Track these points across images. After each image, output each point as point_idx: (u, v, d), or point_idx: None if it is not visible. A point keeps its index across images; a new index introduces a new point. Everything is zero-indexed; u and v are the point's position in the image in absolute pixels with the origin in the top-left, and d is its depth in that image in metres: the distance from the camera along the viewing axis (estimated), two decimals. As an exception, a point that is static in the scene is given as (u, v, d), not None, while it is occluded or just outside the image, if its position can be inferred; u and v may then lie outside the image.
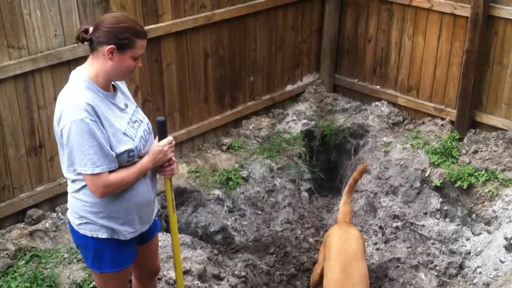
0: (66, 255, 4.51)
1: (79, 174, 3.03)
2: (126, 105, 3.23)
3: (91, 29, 3.03)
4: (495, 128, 6.00)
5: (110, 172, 3.00)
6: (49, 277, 4.24)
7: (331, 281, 4.27)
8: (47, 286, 4.16)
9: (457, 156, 5.87)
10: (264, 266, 5.25)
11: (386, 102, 6.89)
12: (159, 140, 3.29)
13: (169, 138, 3.33)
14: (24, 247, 4.54)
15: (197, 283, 4.57)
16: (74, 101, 2.94)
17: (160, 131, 3.31)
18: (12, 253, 4.46)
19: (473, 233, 5.26)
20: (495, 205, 5.21)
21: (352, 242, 4.54)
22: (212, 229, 5.46)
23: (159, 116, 5.60)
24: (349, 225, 4.73)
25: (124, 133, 3.08)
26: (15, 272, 4.29)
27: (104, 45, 2.98)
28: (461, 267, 5.03)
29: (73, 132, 2.90)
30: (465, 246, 5.14)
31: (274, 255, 5.44)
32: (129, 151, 3.07)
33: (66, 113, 2.93)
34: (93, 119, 2.93)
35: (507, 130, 5.87)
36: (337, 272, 4.27)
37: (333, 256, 4.41)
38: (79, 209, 3.17)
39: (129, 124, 3.16)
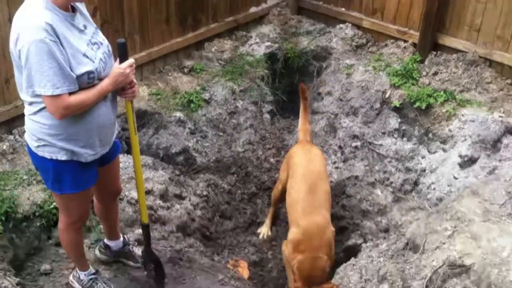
0: (25, 177, 4.47)
1: (37, 96, 2.98)
2: (85, 27, 3.15)
3: None
4: (456, 51, 6.04)
5: (70, 94, 2.96)
6: (8, 198, 4.21)
7: (297, 200, 4.38)
8: (7, 207, 4.14)
9: (417, 78, 5.92)
10: (225, 186, 5.34)
11: (350, 25, 6.84)
12: (120, 62, 3.23)
13: (130, 60, 3.28)
14: (-18, 169, 4.49)
15: (159, 203, 4.64)
16: (33, 21, 2.85)
17: (121, 54, 3.24)
18: (-31, 175, 4.41)
19: (429, 152, 5.40)
20: (452, 124, 5.32)
21: (316, 161, 4.65)
22: (173, 151, 5.47)
23: (119, 38, 5.49)
24: (311, 144, 4.82)
25: (84, 55, 3.02)
26: (-27, 193, 4.24)
27: None
28: (416, 183, 5.20)
29: (32, 53, 2.83)
30: (421, 164, 5.28)
31: (236, 175, 5.52)
32: (89, 72, 3.02)
33: (25, 33, 2.85)
34: (53, 39, 2.85)
35: (467, 52, 5.92)
36: (303, 192, 4.40)
37: (299, 175, 4.52)
38: (37, 132, 3.14)
39: (89, 46, 3.09)
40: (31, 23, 2.85)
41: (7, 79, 4.82)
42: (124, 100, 3.41)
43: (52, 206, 4.24)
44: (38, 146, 3.17)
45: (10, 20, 4.49)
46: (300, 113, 5.07)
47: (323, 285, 3.96)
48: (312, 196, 4.38)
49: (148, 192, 4.63)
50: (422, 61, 6.17)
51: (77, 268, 3.85)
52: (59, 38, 2.90)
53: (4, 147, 4.76)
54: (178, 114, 5.61)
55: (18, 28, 2.90)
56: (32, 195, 4.32)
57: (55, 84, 2.89)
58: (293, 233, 4.29)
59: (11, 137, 4.92)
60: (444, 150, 5.25)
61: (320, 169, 4.59)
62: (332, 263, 4.23)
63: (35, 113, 3.09)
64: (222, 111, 5.86)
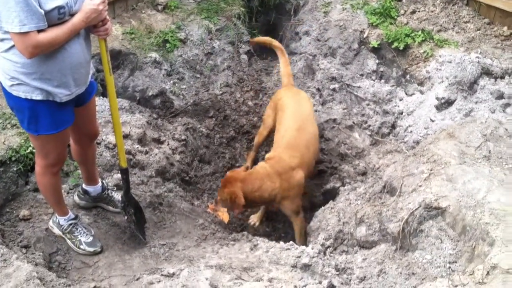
0: (-1, 121, 4.36)
1: (7, 32, 2.87)
2: None
3: None
4: (435, -12, 5.96)
5: (39, 31, 2.85)
6: (-18, 143, 4.12)
7: (286, 139, 4.42)
8: (-19, 152, 4.06)
9: (395, 17, 5.86)
10: (204, 130, 5.30)
11: (327, -39, 6.65)
12: None
13: None
14: (-47, 114, 4.35)
15: (137, 147, 4.59)
16: None
17: None
18: None
19: (406, 94, 5.42)
20: (429, 66, 5.33)
21: (304, 104, 4.65)
22: (150, 93, 5.38)
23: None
24: (297, 88, 4.81)
25: None
26: None
27: None
28: (393, 126, 5.24)
29: None
30: (398, 106, 5.31)
31: (214, 119, 5.48)
32: (59, 7, 2.90)
33: None
34: None
35: (446, -10, 5.86)
36: (292, 131, 4.43)
37: (288, 116, 4.54)
38: (10, 70, 3.04)
39: None
40: None
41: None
42: (97, 39, 3.30)
43: (28, 150, 4.17)
44: (12, 85, 3.09)
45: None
46: (280, 59, 5.04)
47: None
48: (301, 136, 4.41)
49: (126, 137, 4.57)
50: (400, -1, 6.09)
51: (56, 214, 3.84)
52: None
53: (-25, 90, 4.61)
54: (154, 54, 5.48)
55: None
56: (8, 139, 4.23)
57: (22, 21, 2.78)
58: (270, 154, 4.41)
59: (-18, 79, 4.75)
60: (421, 92, 5.28)
61: (309, 112, 4.61)
62: (296, 206, 4.32)
63: (7, 50, 2.98)
64: (199, 51, 5.74)
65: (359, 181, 4.46)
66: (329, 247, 3.83)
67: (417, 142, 4.77)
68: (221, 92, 5.69)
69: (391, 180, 3.97)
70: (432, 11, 5.80)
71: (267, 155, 4.43)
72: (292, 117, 4.53)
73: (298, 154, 4.30)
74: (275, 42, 5.08)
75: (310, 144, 4.42)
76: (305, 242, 4.33)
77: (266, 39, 5.19)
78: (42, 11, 2.83)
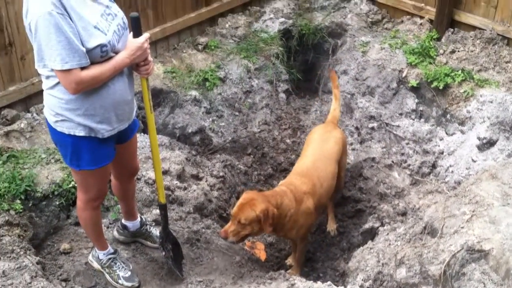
0: (43, 156, 4.48)
1: (52, 70, 2.95)
2: None
3: None
4: (474, 28, 5.95)
5: (82, 68, 2.92)
6: (27, 177, 4.23)
7: (301, 168, 4.45)
8: (26, 186, 4.16)
9: (434, 56, 5.85)
10: (242, 167, 5.33)
11: (365, 0, 6.73)
12: (134, 37, 3.18)
13: (146, 34, 3.23)
14: (0, 147, 4.49)
15: (176, 183, 4.64)
16: None
17: (134, 28, 3.19)
18: (-13, 154, 4.42)
19: (447, 133, 5.36)
20: (470, 105, 5.27)
21: (330, 142, 4.64)
22: (189, 130, 5.46)
23: (132, 12, 5.43)
24: (335, 127, 4.80)
25: (95, 27, 2.96)
26: (-8, 172, 4.26)
27: None
28: (434, 166, 5.17)
29: (40, 26, 2.80)
30: (439, 146, 5.25)
31: (252, 156, 5.51)
32: (101, 45, 2.97)
33: (32, 6, 2.82)
34: (60, 12, 2.81)
35: (485, 30, 5.83)
36: (308, 163, 4.46)
37: (309, 150, 4.58)
38: (55, 106, 3.12)
39: (103, 16, 3.03)
40: None
41: (22, 56, 4.80)
42: (140, 78, 3.37)
43: (71, 185, 4.26)
44: (57, 121, 3.17)
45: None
46: (333, 99, 5.07)
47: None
48: (315, 169, 4.40)
49: (165, 173, 4.63)
50: (439, 39, 6.09)
51: (96, 248, 3.88)
52: (66, 11, 2.85)
53: (22, 125, 4.76)
54: (194, 92, 5.59)
55: (27, 1, 2.87)
56: (51, 173, 4.34)
57: (64, 59, 2.85)
58: (283, 180, 4.39)
59: (29, 115, 4.92)
60: (462, 132, 5.22)
61: (332, 150, 4.59)
62: (302, 233, 4.27)
63: (52, 87, 3.07)
64: (238, 90, 5.82)
65: (398, 222, 4.39)
66: (368, 288, 3.76)
67: (459, 183, 4.69)
68: (259, 130, 5.73)
69: (432, 221, 3.89)
70: (472, 51, 5.78)
71: (280, 182, 4.44)
72: (312, 151, 4.56)
73: (310, 182, 4.30)
74: (337, 82, 5.09)
75: (324, 180, 4.39)
76: (302, 265, 4.40)
77: (335, 79, 5.17)
78: (84, 49, 2.91)
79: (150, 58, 3.29)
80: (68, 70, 2.88)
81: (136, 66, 3.26)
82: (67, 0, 2.85)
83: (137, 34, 3.20)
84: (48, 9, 2.78)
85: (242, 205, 3.96)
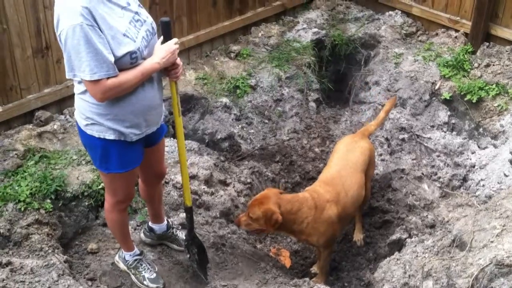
0: (74, 157, 4.57)
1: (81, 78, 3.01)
2: (128, 3, 3.12)
3: None
4: (510, 42, 5.85)
5: (109, 78, 2.96)
6: (58, 177, 4.32)
7: (326, 176, 4.44)
8: (56, 186, 4.25)
9: (468, 70, 5.77)
10: (269, 174, 5.33)
11: (400, 12, 6.70)
12: (164, 42, 3.22)
13: (175, 39, 3.27)
14: (33, 148, 4.60)
15: (203, 188, 4.67)
16: (70, 5, 2.86)
17: (165, 32, 3.23)
18: (21, 153, 4.53)
19: (479, 147, 5.27)
20: (503, 119, 5.18)
21: (356, 152, 4.61)
22: (219, 136, 5.49)
23: (163, 17, 5.51)
24: (363, 137, 4.77)
25: (124, 35, 3.01)
26: (24, 172, 4.36)
27: None
28: (464, 179, 5.08)
29: (70, 38, 2.85)
30: (470, 159, 5.16)
31: (280, 163, 5.51)
32: (131, 53, 3.02)
33: (63, 17, 2.87)
34: (90, 23, 2.86)
35: (521, 44, 5.74)
36: (333, 172, 4.45)
37: (334, 159, 4.57)
38: (86, 110, 3.18)
39: (131, 23, 3.08)
40: (68, 7, 2.86)
41: (58, 59, 4.92)
42: (169, 82, 3.40)
43: (100, 186, 4.33)
44: (87, 125, 3.22)
45: None
46: (376, 118, 5.05)
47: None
48: (339, 178, 4.38)
49: (193, 177, 4.66)
50: (473, 52, 6.01)
51: (122, 249, 3.93)
52: (96, 22, 2.89)
53: (55, 126, 4.87)
54: (224, 99, 5.62)
55: (57, 11, 2.92)
56: (81, 175, 4.42)
57: (92, 69, 2.89)
58: (308, 188, 4.39)
59: (62, 117, 5.03)
60: (495, 146, 5.12)
61: (358, 160, 4.55)
62: (324, 241, 4.23)
63: (84, 92, 3.13)
64: (268, 98, 5.84)
65: (427, 234, 4.31)
66: (393, 300, 3.70)
67: (490, 197, 4.59)
68: (288, 138, 5.73)
69: (461, 234, 3.82)
70: (507, 65, 5.69)
71: (305, 189, 4.43)
72: (338, 160, 4.55)
73: (334, 191, 4.28)
74: (385, 113, 5.08)
75: (349, 189, 4.36)
76: (326, 273, 4.38)
77: (391, 104, 5.18)
78: (112, 59, 2.94)
79: (179, 61, 3.32)
80: (96, 81, 2.93)
81: (165, 70, 3.29)
82: (96, 10, 2.90)
83: (167, 38, 3.24)
84: (78, 21, 2.83)
85: (256, 200, 4.06)
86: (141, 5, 3.27)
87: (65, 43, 2.88)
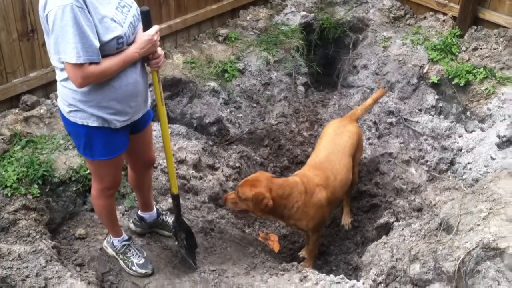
0: (61, 141, 4.53)
1: (63, 62, 2.96)
2: None
3: None
4: (497, 26, 5.85)
5: (91, 63, 2.93)
6: (45, 162, 4.29)
7: (314, 161, 4.43)
8: (43, 171, 4.22)
9: (456, 53, 5.78)
10: (258, 158, 5.33)
11: (388, -5, 6.68)
12: (144, 31, 3.19)
13: (156, 26, 3.23)
14: (20, 132, 4.55)
15: (192, 172, 4.66)
16: None
17: (145, 22, 3.20)
18: (7, 138, 4.48)
19: (466, 130, 5.29)
20: (491, 103, 5.20)
21: (344, 136, 4.61)
22: (207, 121, 5.47)
23: (154, 2, 5.45)
24: (351, 121, 4.77)
25: (112, 19, 2.98)
26: (11, 157, 4.32)
27: None
28: (452, 163, 5.11)
29: (58, 19, 2.81)
30: (457, 142, 5.18)
31: (268, 148, 5.51)
32: (118, 37, 2.99)
33: None
34: (79, 5, 2.82)
35: (508, 28, 5.74)
36: (322, 156, 4.45)
37: (322, 144, 4.57)
38: (68, 97, 3.15)
39: (118, 9, 3.05)
40: None
41: (44, 43, 4.82)
42: (150, 71, 3.38)
43: (87, 171, 4.31)
44: (70, 112, 3.19)
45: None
46: (364, 103, 5.10)
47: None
48: (328, 163, 4.38)
49: (182, 162, 4.65)
50: (461, 36, 6.01)
51: (110, 234, 3.92)
52: (85, 4, 2.86)
53: (42, 111, 4.82)
54: (212, 83, 5.59)
55: None
56: (69, 159, 4.39)
57: (78, 52, 2.86)
58: (297, 172, 4.40)
59: (48, 101, 4.98)
60: (482, 129, 5.15)
61: (346, 144, 4.56)
62: (313, 225, 4.23)
63: (66, 79, 3.09)
64: (256, 82, 5.82)
65: (414, 217, 4.34)
66: (380, 283, 3.73)
67: (476, 180, 4.63)
68: (276, 122, 5.72)
69: (448, 217, 3.86)
70: (494, 49, 5.69)
71: (295, 173, 4.44)
72: (326, 144, 4.56)
73: (323, 175, 4.29)
74: (373, 100, 5.15)
75: (338, 173, 4.37)
76: (314, 257, 4.39)
77: (381, 95, 5.28)
78: (98, 45, 2.91)
79: (160, 51, 3.29)
80: (79, 64, 2.89)
81: (146, 59, 3.26)
82: None
83: (147, 27, 3.21)
84: (68, 1, 2.79)
85: (247, 181, 4.06)
86: None
87: (53, 24, 2.84)
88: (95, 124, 3.19)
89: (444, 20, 6.23)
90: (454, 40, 5.89)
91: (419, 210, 4.50)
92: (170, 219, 4.18)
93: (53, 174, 4.26)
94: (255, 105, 5.76)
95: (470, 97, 5.42)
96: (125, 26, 3.04)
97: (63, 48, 2.87)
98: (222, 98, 5.60)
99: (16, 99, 4.86)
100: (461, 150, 5.11)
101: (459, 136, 5.23)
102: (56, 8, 2.81)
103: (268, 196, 3.94)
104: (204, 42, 6.04)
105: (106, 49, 2.97)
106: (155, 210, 4.13)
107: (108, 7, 3.00)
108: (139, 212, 4.13)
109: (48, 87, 5.02)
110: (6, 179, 4.10)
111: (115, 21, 2.99)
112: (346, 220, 4.93)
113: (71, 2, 2.79)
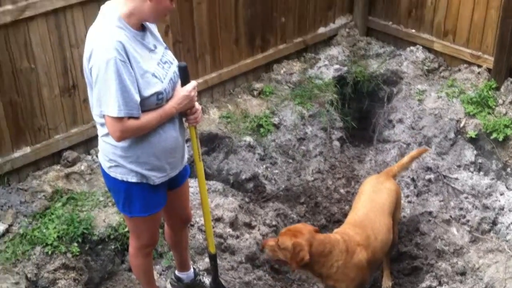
0: (101, 198, 4.59)
1: (103, 116, 3.02)
2: (155, 46, 3.18)
3: None
4: (534, 77, 5.81)
5: (130, 117, 2.98)
6: (85, 219, 4.34)
7: (354, 218, 4.35)
8: (83, 228, 4.26)
9: (493, 106, 5.72)
10: (294, 216, 5.29)
11: (421, 47, 6.68)
12: (182, 86, 3.24)
13: (194, 82, 3.28)
14: (61, 189, 4.63)
15: (228, 231, 4.64)
16: (105, 39, 2.91)
17: (182, 77, 3.25)
18: (49, 195, 4.56)
19: (507, 188, 5.18)
20: (532, 159, 5.12)
21: (383, 193, 4.55)
22: (243, 177, 5.47)
23: (190, 57, 5.57)
24: (388, 178, 4.72)
25: (153, 75, 3.05)
26: (52, 214, 4.39)
27: None
28: (494, 223, 4.98)
29: (102, 72, 2.88)
30: (499, 201, 5.07)
31: (305, 205, 5.47)
32: (158, 93, 3.05)
33: (97, 51, 2.90)
34: (122, 59, 2.89)
35: (546, 80, 5.69)
36: (362, 214, 4.38)
37: (361, 201, 4.50)
38: (109, 153, 3.20)
39: (159, 65, 3.12)
40: (104, 41, 2.90)
41: (85, 98, 4.91)
42: (188, 126, 3.41)
43: (126, 229, 4.33)
44: (110, 167, 3.24)
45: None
46: (401, 160, 5.07)
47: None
48: (368, 218, 4.32)
49: (218, 220, 4.65)
50: (497, 88, 5.95)
51: (148, 295, 3.90)
52: (129, 58, 2.93)
53: (82, 167, 4.90)
54: (248, 138, 5.62)
55: (91, 46, 2.96)
56: (108, 217, 4.43)
57: (119, 106, 2.92)
58: (337, 229, 4.32)
59: (89, 157, 5.05)
60: (524, 187, 5.05)
61: (385, 202, 4.48)
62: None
63: (107, 134, 3.14)
64: (291, 136, 5.82)
65: (457, 281, 4.23)
66: None
67: (521, 242, 4.52)
68: (312, 179, 5.69)
69: (492, 281, 3.77)
70: (532, 102, 5.64)
71: (334, 230, 4.35)
72: (364, 202, 4.48)
73: (364, 233, 4.19)
74: (411, 158, 5.12)
75: (378, 233, 4.27)
76: None
77: (420, 153, 5.28)
78: (138, 100, 2.97)
79: (198, 106, 3.33)
80: (119, 118, 2.94)
81: (184, 114, 3.30)
82: (129, 47, 2.94)
83: (185, 82, 3.26)
84: (112, 55, 2.87)
85: (289, 229, 3.97)
86: (167, 47, 3.32)
87: (97, 76, 2.91)
88: (134, 180, 3.23)
89: (479, 72, 6.19)
90: (490, 93, 5.84)
91: (463, 274, 4.38)
92: (207, 279, 4.15)
93: (92, 232, 4.30)
94: (290, 160, 5.76)
95: (510, 153, 5.33)
96: (165, 82, 3.11)
97: (104, 101, 2.93)
98: (258, 154, 5.62)
99: (58, 155, 4.94)
100: (503, 209, 4.99)
101: (501, 194, 5.12)
102: (100, 61, 2.89)
103: (306, 250, 3.82)
104: (240, 97, 6.11)
105: (146, 104, 3.03)
106: (192, 270, 4.11)
107: (150, 62, 3.07)
108: (176, 272, 4.11)
109: (88, 143, 5.11)
110: (47, 236, 4.15)
111: (156, 77, 3.06)
112: (386, 283, 4.79)
113: (115, 56, 2.87)
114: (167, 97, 3.12)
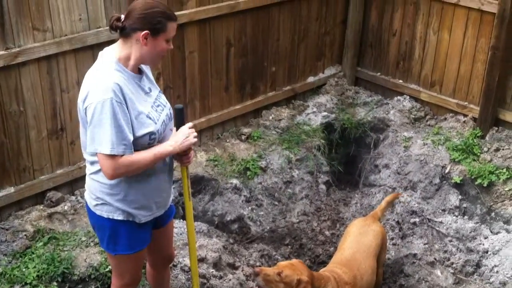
0: (83, 238, 4.55)
1: (96, 154, 3.05)
2: (150, 89, 3.25)
3: (123, 16, 3.06)
4: (519, 127, 5.91)
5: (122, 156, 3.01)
6: (66, 259, 4.28)
7: (341, 258, 4.35)
8: (64, 268, 4.21)
9: (478, 154, 5.79)
10: (279, 257, 5.25)
11: (408, 97, 6.82)
12: (177, 127, 3.29)
13: (191, 123, 3.33)
14: (43, 229, 4.60)
15: (212, 271, 4.59)
16: (102, 81, 2.97)
17: (179, 119, 3.30)
18: (30, 234, 4.52)
19: (491, 232, 5.19)
20: (516, 204, 5.15)
21: (369, 236, 4.56)
22: (228, 218, 5.46)
23: (180, 103, 5.64)
24: (375, 220, 4.74)
25: (148, 116, 3.10)
26: (32, 253, 4.33)
27: (138, 31, 3.01)
28: (478, 265, 4.98)
29: (98, 111, 2.93)
30: (483, 244, 5.07)
31: (290, 247, 5.44)
32: (151, 133, 3.10)
33: (93, 92, 2.96)
34: (119, 100, 2.95)
35: (530, 129, 5.79)
36: (348, 254, 4.37)
37: (347, 242, 4.50)
38: (96, 190, 3.21)
39: (153, 107, 3.18)
40: (101, 82, 2.96)
41: (72, 141, 5.00)
42: (180, 166, 3.43)
43: (107, 269, 4.27)
44: (96, 205, 3.24)
45: (78, 83, 4.70)
46: (382, 203, 5.13)
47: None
48: (354, 258, 4.31)
49: (202, 260, 4.60)
50: (483, 137, 6.05)
51: (129, 335, 3.81)
52: (125, 100, 2.99)
53: (66, 207, 4.88)
54: (235, 181, 5.64)
55: (88, 87, 3.01)
56: (89, 257, 4.38)
57: (113, 144, 2.95)
58: (324, 268, 4.31)
59: (73, 197, 5.05)
60: (508, 231, 5.05)
61: (371, 244, 4.49)
62: None
63: (96, 172, 3.16)
64: (278, 180, 5.85)
65: (441, 324, 4.19)
66: None
67: (504, 284, 4.48)
68: (298, 220, 5.69)
69: (476, 324, 3.71)
70: (517, 150, 5.71)
71: (322, 269, 4.34)
72: (351, 244, 4.49)
73: (351, 273, 4.19)
74: (388, 203, 5.18)
75: (364, 274, 4.27)
76: None
77: (395, 198, 5.35)
78: (131, 139, 3.01)
79: (192, 148, 3.36)
80: (112, 156, 2.97)
81: (177, 155, 3.32)
82: (126, 89, 3.01)
83: (181, 123, 3.30)
84: (108, 96, 2.92)
85: (292, 264, 3.90)
86: (161, 91, 3.39)
87: (92, 116, 2.95)
88: (120, 217, 3.22)
89: (464, 121, 6.30)
90: (475, 141, 5.93)
91: (447, 316, 4.34)
92: (188, 320, 4.08)
93: (73, 272, 4.23)
94: (276, 203, 5.76)
95: (494, 198, 5.36)
96: (159, 124, 3.16)
97: (98, 139, 2.97)
98: (244, 196, 5.63)
99: (41, 196, 4.93)
100: (487, 252, 4.99)
101: (485, 238, 5.13)
102: (96, 102, 2.93)
103: (309, 286, 3.79)
104: (228, 141, 6.17)
105: (139, 143, 3.07)
106: (173, 310, 4.05)
107: (145, 104, 3.13)
108: (157, 313, 4.04)
109: (73, 184, 5.11)
110: (27, 276, 4.09)
111: (150, 118, 3.11)
112: None
113: (111, 97, 2.92)
114: (159, 138, 3.17)
